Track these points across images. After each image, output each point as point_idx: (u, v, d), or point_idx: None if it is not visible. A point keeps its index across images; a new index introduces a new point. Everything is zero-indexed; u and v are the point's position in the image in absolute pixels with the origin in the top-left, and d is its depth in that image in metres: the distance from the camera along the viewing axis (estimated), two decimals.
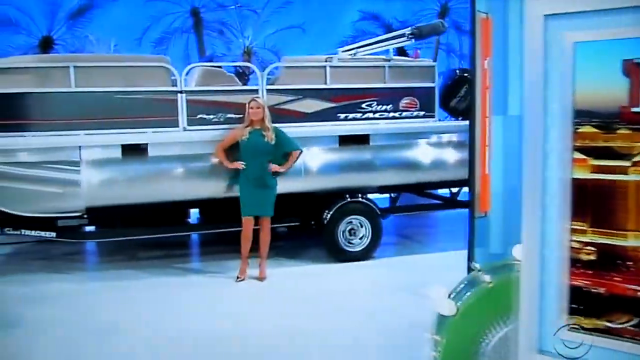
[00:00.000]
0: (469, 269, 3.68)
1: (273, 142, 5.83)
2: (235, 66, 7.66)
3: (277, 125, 6.23)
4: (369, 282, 5.95)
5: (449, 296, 3.19)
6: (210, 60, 6.97)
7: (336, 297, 5.50)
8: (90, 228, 6.69)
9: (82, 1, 8.54)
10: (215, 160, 6.03)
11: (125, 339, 4.55)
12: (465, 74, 7.67)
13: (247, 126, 5.88)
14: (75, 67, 5.76)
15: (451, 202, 7.53)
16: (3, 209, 5.86)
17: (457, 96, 7.39)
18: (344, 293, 5.61)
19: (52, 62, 5.87)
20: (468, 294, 3.09)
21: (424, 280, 5.94)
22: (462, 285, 3.23)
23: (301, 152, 6.04)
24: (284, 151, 5.96)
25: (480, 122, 3.60)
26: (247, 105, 5.88)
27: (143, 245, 7.12)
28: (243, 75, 7.63)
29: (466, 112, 7.40)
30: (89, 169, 5.83)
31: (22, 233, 6.18)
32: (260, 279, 5.96)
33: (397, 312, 5.01)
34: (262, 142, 5.81)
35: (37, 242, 7.28)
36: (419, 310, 5.01)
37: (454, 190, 7.57)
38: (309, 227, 6.81)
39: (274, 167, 5.87)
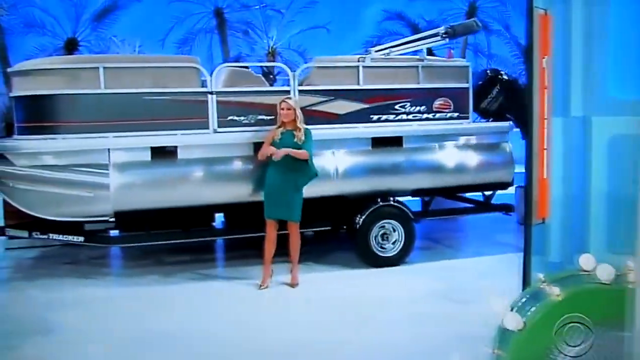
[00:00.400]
0: (525, 278, 3.50)
1: (302, 143, 5.64)
2: (261, 66, 7.51)
3: (309, 127, 6.10)
4: (404, 289, 5.76)
5: (512, 309, 3.00)
6: (237, 61, 6.81)
7: (372, 304, 5.33)
8: (115, 232, 6.61)
9: (106, 3, 8.45)
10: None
11: (151, 347, 4.42)
12: (496, 75, 7.48)
13: (279, 127, 5.74)
14: (104, 68, 5.64)
15: (485, 206, 7.32)
16: (31, 213, 5.78)
17: (488, 97, 7.20)
18: (380, 300, 5.44)
19: (81, 63, 5.75)
20: (533, 308, 2.89)
21: (461, 286, 5.79)
22: (524, 298, 3.03)
23: (316, 175, 5.76)
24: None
25: (538, 124, 3.41)
26: (278, 106, 5.73)
27: (168, 249, 7.00)
28: (269, 75, 7.48)
29: (497, 113, 7.22)
30: (117, 172, 5.71)
31: (50, 237, 6.08)
32: (292, 285, 5.80)
33: (438, 321, 4.85)
34: (292, 142, 5.64)
35: (64, 246, 7.19)
36: (461, 319, 4.87)
37: (487, 193, 7.34)
38: (339, 231, 6.65)
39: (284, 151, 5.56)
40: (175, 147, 5.88)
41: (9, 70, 5.96)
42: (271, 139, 5.73)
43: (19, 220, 7.05)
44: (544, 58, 3.33)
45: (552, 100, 3.32)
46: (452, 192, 7.08)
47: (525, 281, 3.38)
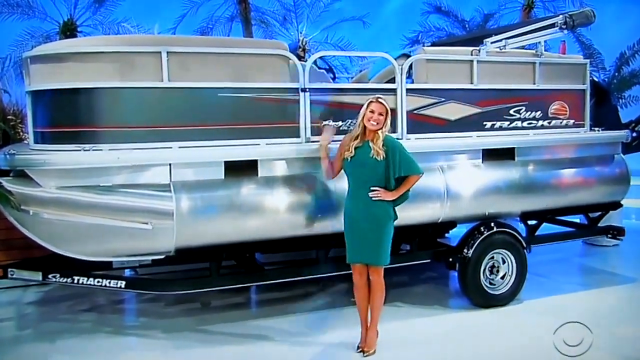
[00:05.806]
0: None
1: (381, 159, 4.12)
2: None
3: (416, 136, 4.86)
4: (540, 337, 4.57)
5: None
6: (295, 51, 5.47)
7: None
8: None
9: None
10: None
11: None
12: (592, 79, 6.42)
13: (356, 137, 4.21)
14: (169, 53, 4.15)
15: (590, 229, 6.27)
16: (53, 249, 4.21)
17: None
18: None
19: (135, 45, 4.18)
20: None
21: (615, 336, 4.65)
22: None
23: (421, 175, 4.29)
24: (397, 174, 4.17)
25: None
26: (365, 107, 4.20)
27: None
28: (326, 71, 6.16)
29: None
30: (182, 194, 4.22)
31: (76, 281, 4.51)
32: (364, 350, 4.30)
33: None
34: (367, 157, 4.14)
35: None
36: None
37: (592, 215, 6.29)
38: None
39: (379, 192, 4.13)
40: (255, 161, 4.45)
41: (25, 54, 4.33)
42: (342, 156, 4.26)
43: (7, 254, 5.55)
44: None
45: None
46: (562, 213, 5.99)
47: None
